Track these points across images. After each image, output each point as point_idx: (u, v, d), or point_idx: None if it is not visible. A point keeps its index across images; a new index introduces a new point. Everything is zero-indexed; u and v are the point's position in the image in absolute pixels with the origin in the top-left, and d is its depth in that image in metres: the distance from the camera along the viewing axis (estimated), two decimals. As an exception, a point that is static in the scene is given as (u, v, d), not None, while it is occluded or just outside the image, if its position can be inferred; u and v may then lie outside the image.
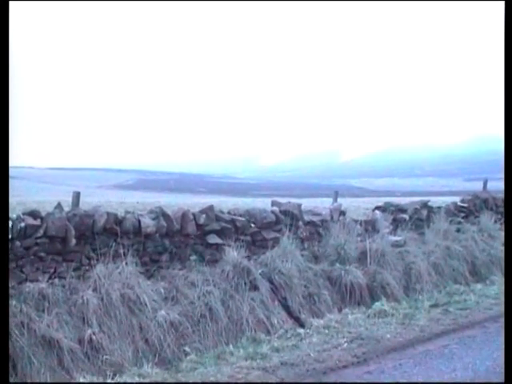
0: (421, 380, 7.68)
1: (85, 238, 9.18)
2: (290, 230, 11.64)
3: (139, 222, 9.77)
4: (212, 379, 7.62)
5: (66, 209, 9.42)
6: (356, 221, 13.50)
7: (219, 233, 10.83)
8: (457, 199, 17.58)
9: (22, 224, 8.53)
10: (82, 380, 7.42)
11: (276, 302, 10.45)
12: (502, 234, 13.59)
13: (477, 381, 7.62)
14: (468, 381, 7.62)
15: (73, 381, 7.52)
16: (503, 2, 8.35)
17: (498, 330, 9.63)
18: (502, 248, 13.81)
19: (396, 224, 14.52)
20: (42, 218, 8.82)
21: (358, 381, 7.70)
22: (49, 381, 7.48)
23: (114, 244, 9.31)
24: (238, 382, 7.58)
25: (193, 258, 10.42)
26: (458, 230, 15.68)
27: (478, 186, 19.46)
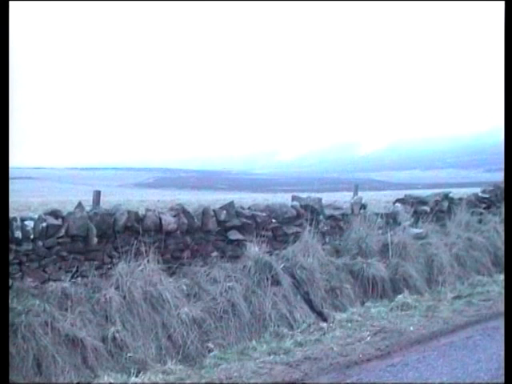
0: (445, 372, 7.65)
1: (106, 236, 9.22)
2: (310, 225, 11.62)
3: (160, 219, 9.79)
4: (235, 375, 7.63)
5: (87, 208, 9.46)
6: (377, 214, 13.46)
7: (240, 229, 10.84)
8: (478, 190, 17.49)
9: (44, 224, 8.57)
10: (106, 377, 7.45)
11: (298, 297, 10.44)
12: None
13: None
14: (493, 372, 7.58)
15: (97, 380, 7.53)
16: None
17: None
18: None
19: (417, 216, 14.48)
20: (63, 218, 8.86)
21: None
22: (74, 379, 7.50)
23: (135, 242, 9.33)
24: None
25: (214, 254, 10.44)
26: (480, 221, 15.63)
27: (499, 176, 19.33)
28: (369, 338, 9.09)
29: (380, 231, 12.92)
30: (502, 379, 7.15)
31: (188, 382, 7.51)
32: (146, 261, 9.19)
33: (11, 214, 8.55)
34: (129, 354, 8.08)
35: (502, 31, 8.01)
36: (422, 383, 7.37)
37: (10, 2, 6.92)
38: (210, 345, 8.86)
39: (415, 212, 14.55)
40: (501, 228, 15.25)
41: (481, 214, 15.98)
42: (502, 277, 13.36)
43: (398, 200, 15.13)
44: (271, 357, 8.34)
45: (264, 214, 11.30)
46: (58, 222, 8.78)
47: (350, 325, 9.85)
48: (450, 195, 15.97)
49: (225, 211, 10.67)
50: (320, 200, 12.51)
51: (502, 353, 8.16)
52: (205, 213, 10.43)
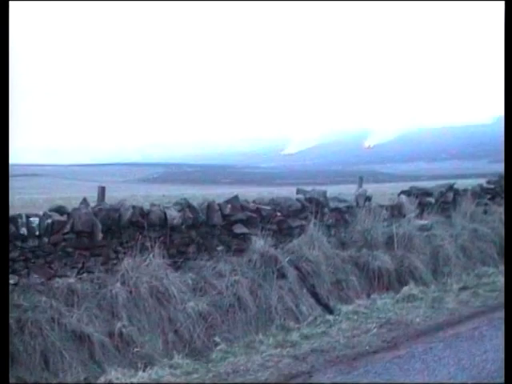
0: (452, 363, 7.65)
1: (111, 231, 9.21)
2: (315, 218, 11.61)
3: (165, 214, 9.79)
4: (242, 368, 7.64)
5: (92, 204, 9.46)
6: (382, 206, 13.45)
7: (245, 222, 10.82)
8: (483, 181, 17.47)
9: (49, 220, 8.57)
10: (113, 373, 7.46)
11: (304, 290, 10.46)
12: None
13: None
14: (499, 362, 7.56)
15: (104, 375, 7.54)
16: None
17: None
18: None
19: (422, 208, 14.47)
20: (68, 214, 8.85)
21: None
22: (82, 375, 7.52)
23: (140, 237, 9.34)
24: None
25: (219, 248, 10.44)
26: (485, 212, 15.61)
27: (503, 167, 19.27)
28: (375, 330, 9.10)
29: (385, 223, 12.91)
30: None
31: (195, 375, 7.54)
32: (151, 256, 9.20)
33: (17, 212, 8.56)
34: (136, 349, 8.11)
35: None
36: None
37: (10, 2, 6.91)
38: (217, 339, 8.87)
39: (420, 204, 14.54)
40: (506, 218, 15.23)
41: (486, 204, 15.96)
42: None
43: (403, 192, 15.09)
44: (278, 350, 8.35)
45: (269, 208, 11.28)
46: (63, 218, 8.77)
47: (356, 317, 9.86)
48: (455, 186, 15.94)
49: (230, 205, 10.66)
50: (325, 193, 12.49)
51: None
52: (210, 207, 10.42)
